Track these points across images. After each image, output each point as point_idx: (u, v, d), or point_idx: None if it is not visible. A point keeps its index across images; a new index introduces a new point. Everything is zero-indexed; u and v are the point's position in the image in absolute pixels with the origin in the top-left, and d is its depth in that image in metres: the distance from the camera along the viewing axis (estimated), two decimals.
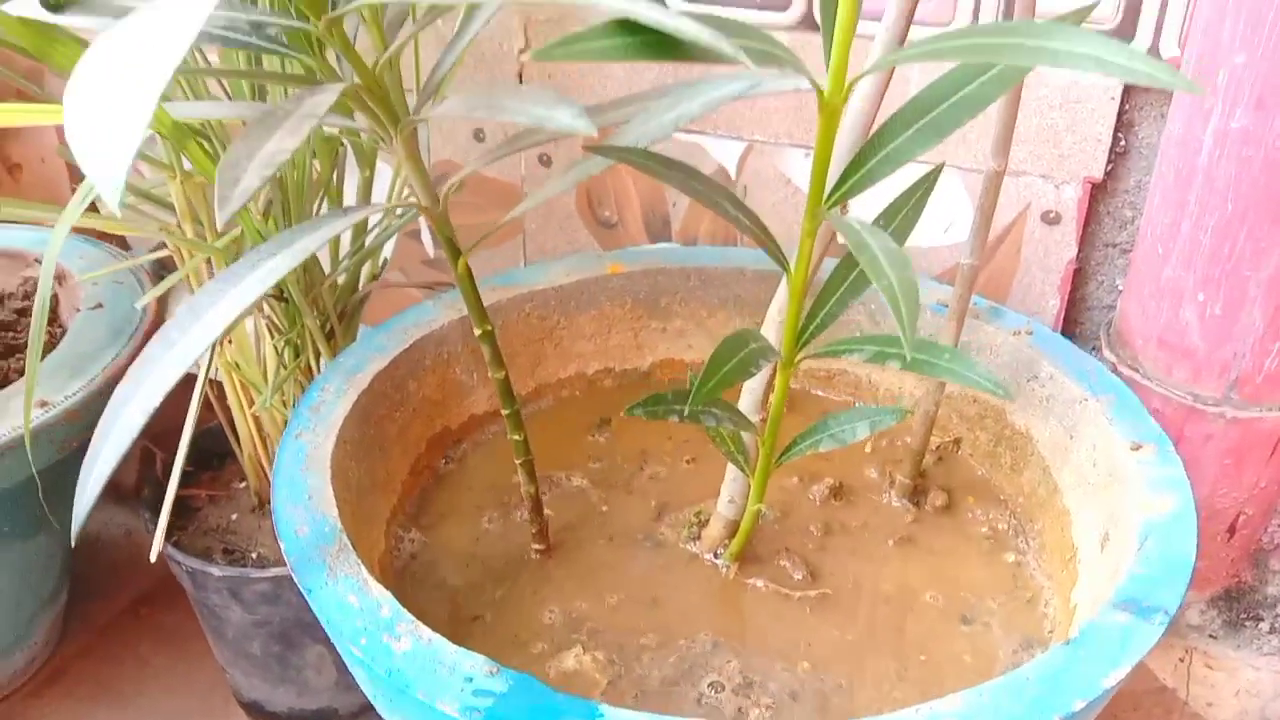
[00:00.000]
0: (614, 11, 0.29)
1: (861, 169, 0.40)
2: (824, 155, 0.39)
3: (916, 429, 0.62)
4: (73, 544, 0.41)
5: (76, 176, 1.00)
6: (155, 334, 0.42)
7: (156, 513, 0.79)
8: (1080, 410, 0.59)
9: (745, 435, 0.53)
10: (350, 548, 0.49)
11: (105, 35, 0.28)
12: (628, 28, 0.30)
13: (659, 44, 0.30)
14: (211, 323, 0.42)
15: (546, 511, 0.60)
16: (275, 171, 0.34)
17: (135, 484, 0.86)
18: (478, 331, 0.53)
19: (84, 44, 0.50)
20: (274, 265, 0.43)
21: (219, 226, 0.32)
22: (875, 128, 0.43)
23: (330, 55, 0.45)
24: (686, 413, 0.42)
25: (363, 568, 0.48)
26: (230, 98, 0.64)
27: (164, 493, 0.72)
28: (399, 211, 0.65)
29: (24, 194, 1.13)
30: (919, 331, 0.61)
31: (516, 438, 0.56)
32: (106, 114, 0.25)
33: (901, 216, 0.44)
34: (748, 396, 0.54)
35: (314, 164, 0.65)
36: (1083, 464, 0.58)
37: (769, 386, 0.52)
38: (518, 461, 0.56)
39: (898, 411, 0.50)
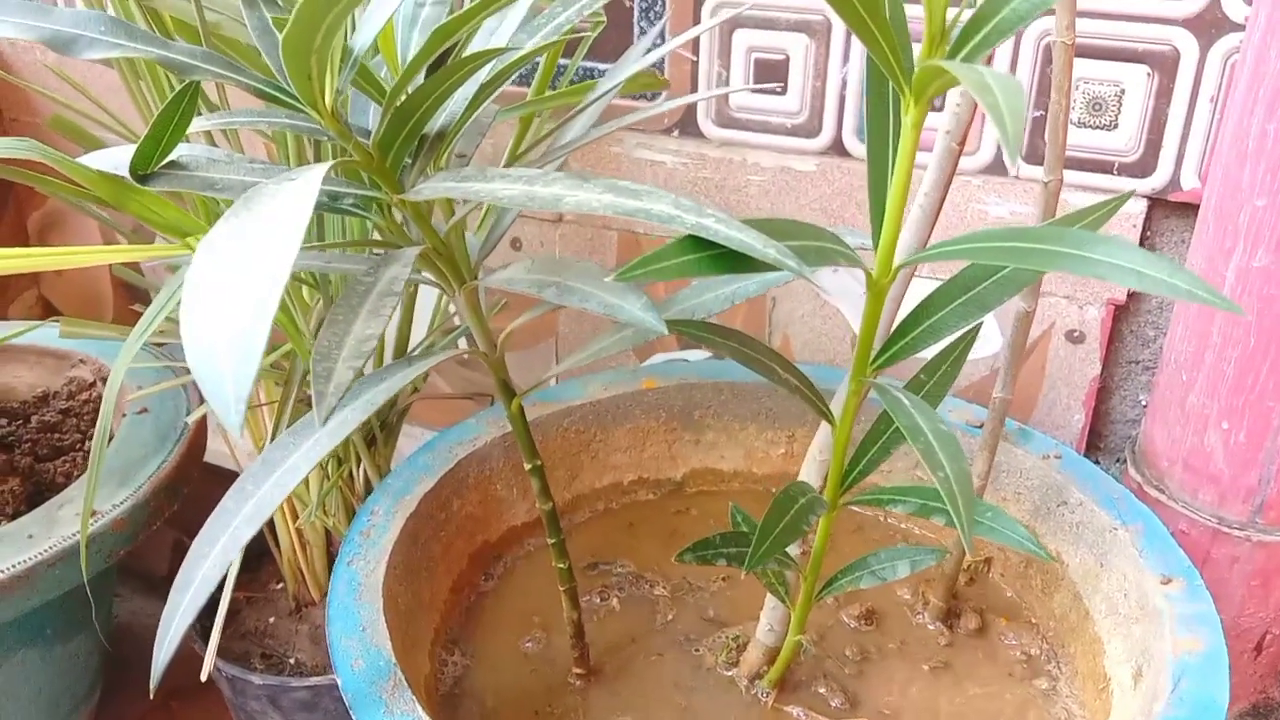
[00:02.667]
0: (690, 227, 0.31)
1: (904, 339, 0.42)
2: (870, 327, 0.41)
3: (950, 552, 0.63)
4: (151, 695, 0.42)
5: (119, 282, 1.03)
6: (230, 489, 0.44)
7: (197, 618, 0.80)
8: (1110, 539, 0.60)
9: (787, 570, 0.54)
10: (404, 683, 0.50)
11: (205, 264, 0.30)
12: (699, 244, 0.32)
13: (730, 258, 0.32)
14: (284, 478, 0.44)
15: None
16: (365, 360, 0.36)
17: (167, 573, 0.87)
18: (528, 466, 0.55)
19: (157, 198, 0.53)
20: (343, 418, 0.45)
21: (318, 422, 0.34)
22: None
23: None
24: (745, 567, 0.44)
25: (418, 704, 0.49)
26: None
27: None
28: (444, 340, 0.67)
29: (66, 285, 1.16)
30: None
31: (561, 566, 0.57)
32: (223, 357, 0.27)
33: (941, 373, 0.46)
34: None
35: None
36: (1113, 593, 0.59)
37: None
38: (561, 589, 0.58)
39: (937, 552, 0.51)
